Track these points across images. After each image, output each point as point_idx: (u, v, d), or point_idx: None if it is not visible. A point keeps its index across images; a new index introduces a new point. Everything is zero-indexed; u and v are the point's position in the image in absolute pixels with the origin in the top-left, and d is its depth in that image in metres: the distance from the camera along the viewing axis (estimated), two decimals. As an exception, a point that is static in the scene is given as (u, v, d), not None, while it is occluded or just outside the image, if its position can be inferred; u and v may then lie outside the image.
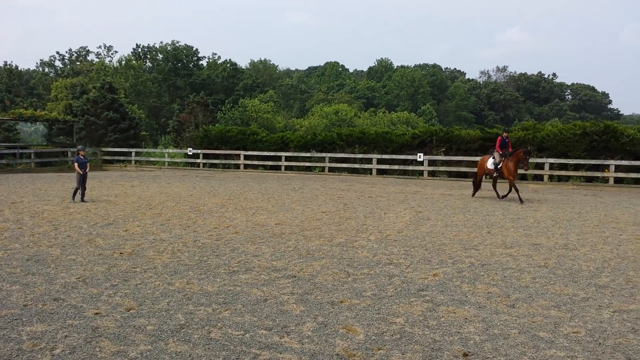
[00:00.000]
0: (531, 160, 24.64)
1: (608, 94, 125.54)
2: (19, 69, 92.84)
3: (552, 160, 24.23)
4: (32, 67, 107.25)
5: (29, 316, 5.97)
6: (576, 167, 24.25)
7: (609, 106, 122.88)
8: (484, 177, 19.00)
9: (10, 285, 7.13)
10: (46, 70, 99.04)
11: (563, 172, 24.21)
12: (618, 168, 23.24)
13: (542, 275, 7.86)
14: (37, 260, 8.56)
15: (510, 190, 17.57)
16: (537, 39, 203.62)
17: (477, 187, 18.78)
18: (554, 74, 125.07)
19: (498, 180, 18.42)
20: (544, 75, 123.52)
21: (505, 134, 18.13)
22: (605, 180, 23.52)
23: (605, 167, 23.61)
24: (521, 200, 16.62)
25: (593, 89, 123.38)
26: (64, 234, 10.80)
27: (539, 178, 24.68)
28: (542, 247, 9.86)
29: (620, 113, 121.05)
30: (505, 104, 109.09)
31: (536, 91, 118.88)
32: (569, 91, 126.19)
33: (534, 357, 5.00)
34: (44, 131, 38.71)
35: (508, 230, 11.68)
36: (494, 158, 17.88)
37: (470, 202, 16.69)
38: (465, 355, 5.04)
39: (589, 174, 23.72)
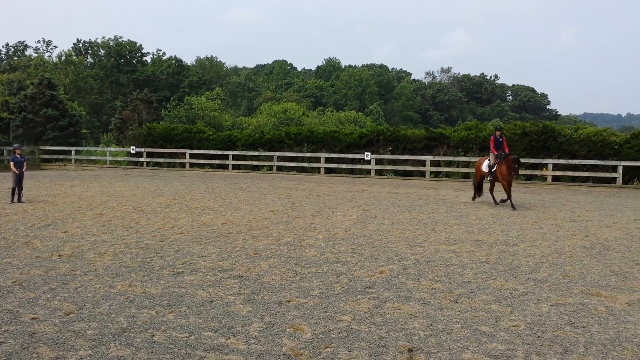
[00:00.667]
0: (473, 159, 25.40)
1: (547, 95, 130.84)
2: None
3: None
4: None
5: (-42, 323, 5.67)
6: (516, 166, 25.08)
7: (547, 107, 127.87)
8: (483, 180, 17.11)
9: (-62, 291, 6.74)
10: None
11: (504, 171, 25.00)
12: (556, 166, 24.22)
13: (483, 271, 8.09)
14: (-32, 264, 8.13)
15: (509, 196, 15.58)
16: (479, 42, 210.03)
17: (478, 190, 17.08)
18: (496, 76, 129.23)
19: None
20: (486, 76, 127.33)
21: (498, 132, 16.23)
22: (543, 178, 24.45)
23: (543, 166, 24.57)
24: (513, 207, 15.15)
25: (533, 90, 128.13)
26: (-2, 236, 10.31)
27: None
28: (483, 244, 10.15)
29: (558, 113, 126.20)
30: (450, 104, 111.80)
31: (479, 92, 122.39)
32: (509, 92, 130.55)
33: (476, 350, 5.13)
34: (-23, 128, 36.83)
35: (451, 227, 11.96)
36: (489, 160, 16.42)
37: (415, 201, 17.00)
38: (410, 350, 5.12)
39: (528, 172, 24.60)
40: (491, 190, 16.86)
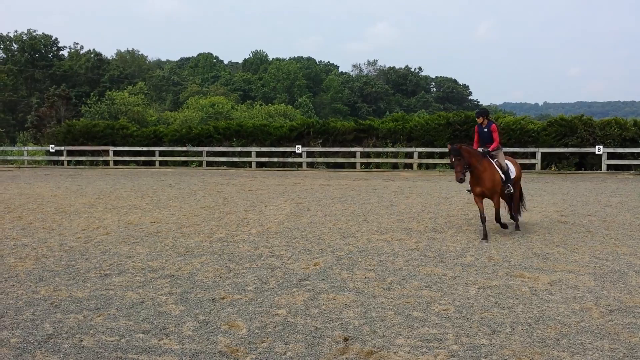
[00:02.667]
0: (401, 149, 26.06)
1: (468, 86, 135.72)
2: None
3: (420, 150, 25.73)
4: None
5: None
6: (441, 155, 25.92)
7: (469, 97, 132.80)
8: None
9: None
10: None
11: (430, 160, 25.83)
12: (478, 155, 25.23)
13: (414, 258, 8.32)
14: None
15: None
16: (403, 35, 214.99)
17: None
18: (420, 68, 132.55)
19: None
20: (410, 68, 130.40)
21: (480, 119, 10.57)
22: (467, 166, 25.40)
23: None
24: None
25: (455, 81, 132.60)
26: None
27: (409, 166, 26.10)
28: (413, 232, 10.43)
29: (480, 103, 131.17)
30: (377, 96, 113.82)
31: (404, 84, 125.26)
32: (433, 84, 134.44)
33: (409, 335, 5.27)
34: None
35: (382, 217, 12.21)
36: None
37: (347, 192, 17.22)
38: (345, 339, 5.19)
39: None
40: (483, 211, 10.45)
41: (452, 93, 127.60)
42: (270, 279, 7.29)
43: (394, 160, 26.19)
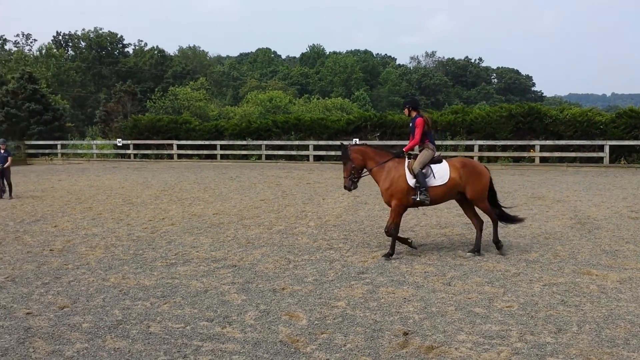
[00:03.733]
0: (460, 142, 25.54)
1: (531, 76, 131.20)
2: None
3: (480, 142, 25.14)
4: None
5: (-49, 321, 5.63)
6: (504, 148, 25.26)
7: (532, 88, 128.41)
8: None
9: None
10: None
11: (492, 153, 25.19)
12: (543, 148, 24.42)
13: (475, 253, 8.15)
14: (-43, 261, 8.06)
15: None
16: (463, 25, 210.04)
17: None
18: (480, 59, 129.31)
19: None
20: (470, 59, 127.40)
21: (406, 110, 8.87)
22: (531, 159, 24.64)
23: (531, 147, 24.74)
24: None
25: (517, 72, 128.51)
26: (-14, 232, 10.21)
27: (469, 160, 25.55)
28: (474, 227, 10.20)
29: (544, 95, 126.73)
30: (435, 88, 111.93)
31: (464, 75, 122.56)
32: (494, 75, 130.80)
33: (471, 332, 5.19)
34: (-41, 125, 36.27)
35: (442, 211, 12.03)
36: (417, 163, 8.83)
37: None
38: (405, 334, 5.17)
39: (516, 154, 24.79)
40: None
41: (514, 84, 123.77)
42: (329, 271, 7.33)
43: (453, 154, 25.67)
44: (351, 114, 39.22)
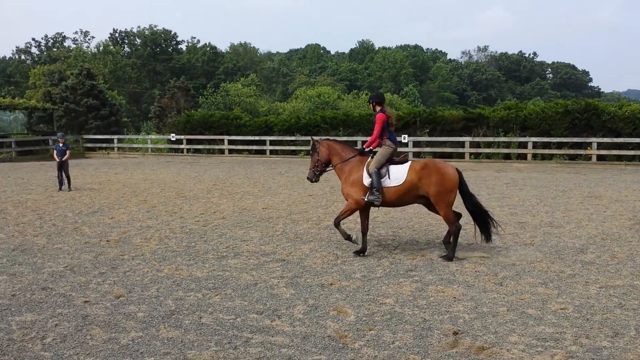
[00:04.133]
0: (513, 139, 24.91)
1: (588, 72, 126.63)
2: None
3: (535, 139, 24.43)
4: (8, 54, 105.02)
5: (17, 306, 5.92)
6: (559, 146, 24.47)
7: (589, 84, 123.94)
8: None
9: (-4, 276, 7.05)
10: (22, 57, 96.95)
11: (546, 151, 24.44)
12: (600, 145, 23.51)
13: (528, 253, 7.96)
14: (23, 250, 8.47)
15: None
16: (517, 19, 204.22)
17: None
18: (535, 53, 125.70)
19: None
20: (524, 54, 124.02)
21: (371, 105, 8.58)
22: (588, 157, 23.79)
23: (587, 145, 23.88)
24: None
25: (573, 67, 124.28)
26: (49, 222, 10.68)
27: (523, 157, 24.90)
28: (527, 226, 9.97)
29: (601, 91, 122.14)
30: (487, 83, 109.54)
31: (517, 70, 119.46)
32: (549, 70, 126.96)
33: (523, 333, 5.07)
34: (23, 120, 38.01)
35: (494, 209, 11.77)
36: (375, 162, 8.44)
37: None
38: (455, 333, 5.10)
39: (571, 152, 23.96)
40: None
41: (570, 79, 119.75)
42: (377, 267, 7.31)
43: (506, 151, 25.09)
44: (400, 109, 38.89)
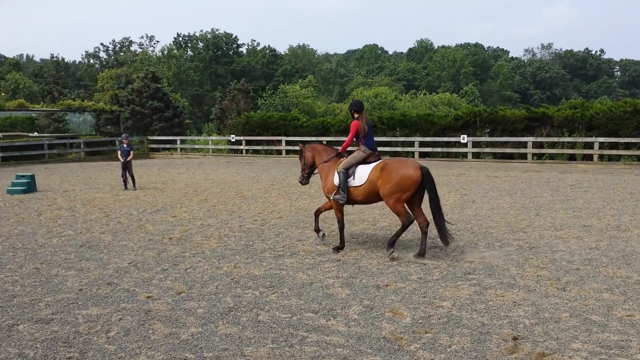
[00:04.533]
0: (579, 139, 23.96)
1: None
2: (66, 61, 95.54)
3: (601, 140, 23.40)
4: (78, 59, 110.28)
5: (84, 300, 6.21)
6: (627, 146, 23.34)
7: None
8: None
9: (65, 271, 7.42)
10: (91, 61, 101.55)
11: (614, 152, 23.35)
12: (673, 146, 22.28)
13: (593, 258, 7.66)
14: (90, 246, 8.87)
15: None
16: (583, 15, 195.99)
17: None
18: (602, 50, 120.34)
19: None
20: (591, 51, 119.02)
21: (353, 114, 8.74)
22: (659, 159, 22.58)
23: (659, 146, 22.66)
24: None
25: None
26: (115, 220, 11.15)
27: (589, 158, 23.91)
28: (593, 229, 9.58)
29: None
30: (552, 82, 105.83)
31: (583, 68, 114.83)
32: (617, 67, 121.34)
33: (587, 340, 4.89)
34: (91, 121, 39.92)
35: (557, 212, 11.39)
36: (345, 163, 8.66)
37: (517, 184, 16.34)
38: (515, 339, 4.97)
39: (641, 152, 22.81)
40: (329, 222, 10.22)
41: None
42: (434, 270, 7.22)
43: (570, 151, 24.17)
44: (459, 109, 38.18)
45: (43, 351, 4.87)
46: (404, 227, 7.95)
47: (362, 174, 8.22)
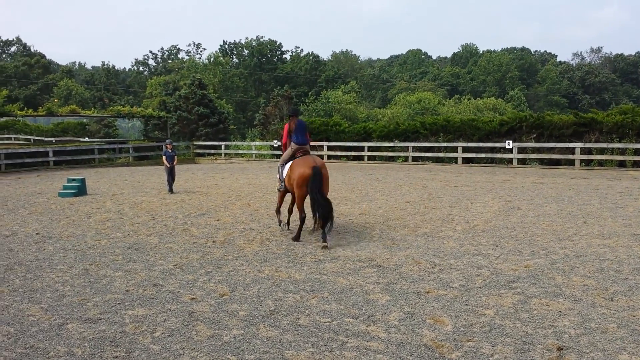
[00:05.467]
0: (629, 145, 23.16)
1: None
2: (116, 68, 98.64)
3: (655, 146, 22.55)
4: (128, 66, 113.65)
5: (131, 301, 6.40)
6: (683, 153, 22.43)
7: None
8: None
9: (113, 272, 7.67)
10: (140, 69, 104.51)
11: (668, 158, 22.47)
12: None
13: (644, 268, 7.39)
14: (137, 248, 9.14)
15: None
16: (634, 17, 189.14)
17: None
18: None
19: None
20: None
21: (291, 120, 10.29)
22: None
23: None
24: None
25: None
26: (161, 223, 11.44)
27: (639, 165, 23.10)
28: (644, 238, 9.25)
29: None
30: (601, 86, 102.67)
31: (635, 72, 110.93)
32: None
33: (635, 352, 4.73)
34: (140, 127, 41.03)
35: (606, 220, 11.05)
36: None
37: (563, 191, 15.92)
38: (559, 349, 4.87)
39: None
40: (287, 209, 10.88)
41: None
42: (477, 277, 7.12)
43: (620, 158, 23.37)
44: (505, 114, 37.47)
45: (91, 350, 5.05)
46: (301, 222, 9.47)
47: (286, 169, 9.84)
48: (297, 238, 9.46)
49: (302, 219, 9.47)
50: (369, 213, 12.41)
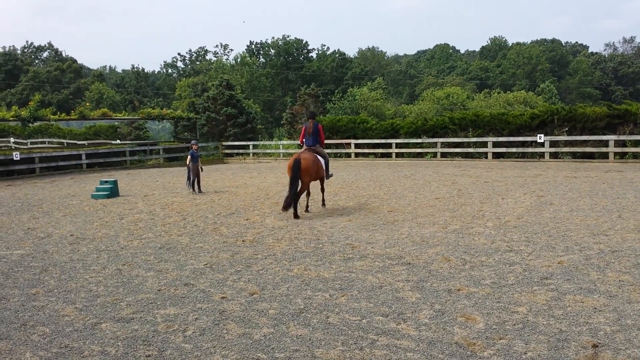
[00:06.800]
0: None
1: None
2: (145, 71, 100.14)
3: (693, 137, 21.87)
4: (157, 69, 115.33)
5: (162, 300, 6.49)
6: None
7: None
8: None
9: (145, 272, 7.79)
10: (169, 71, 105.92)
11: None
12: None
13: (683, 263, 7.18)
14: (168, 248, 9.27)
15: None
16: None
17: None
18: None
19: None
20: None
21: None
22: None
23: None
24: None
25: None
26: (191, 223, 11.58)
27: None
28: (683, 232, 8.98)
29: None
30: (635, 77, 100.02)
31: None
32: None
33: (676, 351, 4.60)
34: (170, 128, 41.61)
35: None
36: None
37: (597, 185, 15.56)
38: (594, 346, 4.76)
39: None
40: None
41: None
42: (509, 274, 7.01)
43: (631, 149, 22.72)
44: (536, 107, 36.82)
45: (124, 349, 5.14)
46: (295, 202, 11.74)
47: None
48: (286, 200, 11.69)
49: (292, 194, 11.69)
50: (397, 210, 12.34)
